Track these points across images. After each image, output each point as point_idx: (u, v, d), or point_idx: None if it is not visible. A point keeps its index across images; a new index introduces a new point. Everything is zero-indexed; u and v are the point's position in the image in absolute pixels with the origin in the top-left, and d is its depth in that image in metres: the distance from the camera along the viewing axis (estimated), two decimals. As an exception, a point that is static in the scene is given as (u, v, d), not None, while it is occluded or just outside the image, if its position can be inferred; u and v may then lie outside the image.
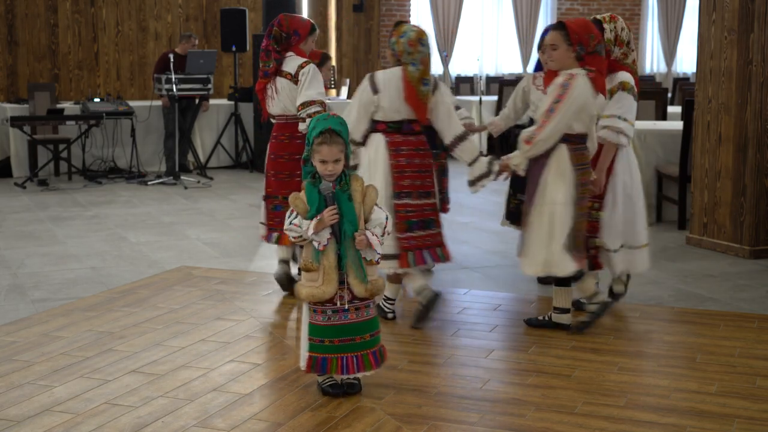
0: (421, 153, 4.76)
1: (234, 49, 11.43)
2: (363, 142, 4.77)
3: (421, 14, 14.06)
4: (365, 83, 4.73)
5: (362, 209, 3.67)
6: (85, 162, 10.60)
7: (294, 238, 3.66)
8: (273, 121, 5.46)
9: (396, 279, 4.86)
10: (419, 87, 4.67)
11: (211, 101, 11.71)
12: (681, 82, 13.23)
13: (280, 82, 5.26)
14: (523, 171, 4.64)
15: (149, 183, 10.22)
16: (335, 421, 3.51)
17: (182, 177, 10.34)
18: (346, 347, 3.69)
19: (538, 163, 4.55)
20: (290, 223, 3.64)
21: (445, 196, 5.63)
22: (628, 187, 4.92)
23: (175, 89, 10.23)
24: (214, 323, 4.83)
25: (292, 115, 5.27)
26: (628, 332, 4.75)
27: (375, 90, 4.69)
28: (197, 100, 11.04)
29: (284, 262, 5.43)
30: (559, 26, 4.56)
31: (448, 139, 4.77)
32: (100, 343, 4.48)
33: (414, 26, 4.81)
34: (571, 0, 14.75)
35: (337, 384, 3.77)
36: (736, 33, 6.52)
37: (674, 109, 10.59)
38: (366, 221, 3.68)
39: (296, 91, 5.22)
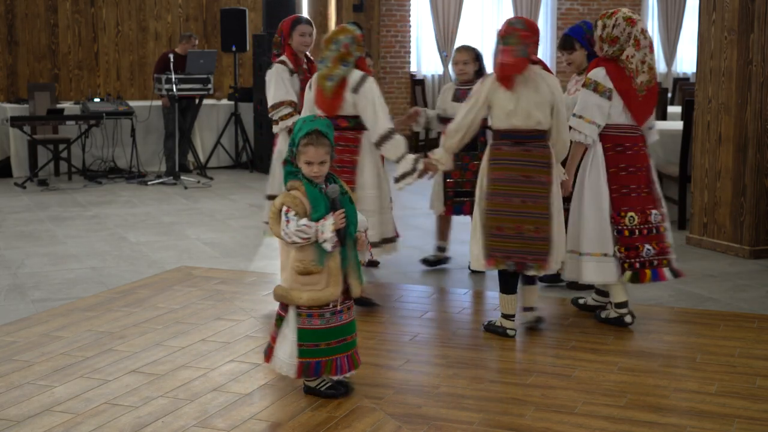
0: (350, 149, 4.94)
1: (234, 49, 11.42)
2: None
3: (421, 14, 14.05)
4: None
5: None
6: (85, 162, 10.59)
7: (302, 239, 3.56)
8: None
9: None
10: (323, 83, 4.90)
11: (211, 101, 11.71)
12: (681, 82, 13.22)
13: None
14: (444, 166, 4.74)
15: (149, 183, 10.22)
16: (335, 421, 3.51)
17: (182, 177, 10.34)
18: (339, 348, 3.69)
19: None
20: (299, 225, 3.52)
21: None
22: (594, 189, 4.70)
23: (175, 89, 10.23)
24: (214, 323, 4.83)
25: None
26: (628, 332, 4.75)
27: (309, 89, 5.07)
28: (197, 100, 11.04)
29: None
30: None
31: (373, 137, 4.89)
32: (100, 343, 4.48)
33: (341, 26, 5.07)
34: (571, 0, 14.74)
35: (334, 384, 3.77)
36: (736, 33, 6.52)
37: (674, 109, 10.59)
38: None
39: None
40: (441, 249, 6.18)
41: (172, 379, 3.98)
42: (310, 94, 5.07)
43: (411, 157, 4.84)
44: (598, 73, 4.68)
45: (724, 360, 4.27)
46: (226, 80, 13.03)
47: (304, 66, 5.52)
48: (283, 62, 5.42)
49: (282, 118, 5.29)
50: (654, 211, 4.75)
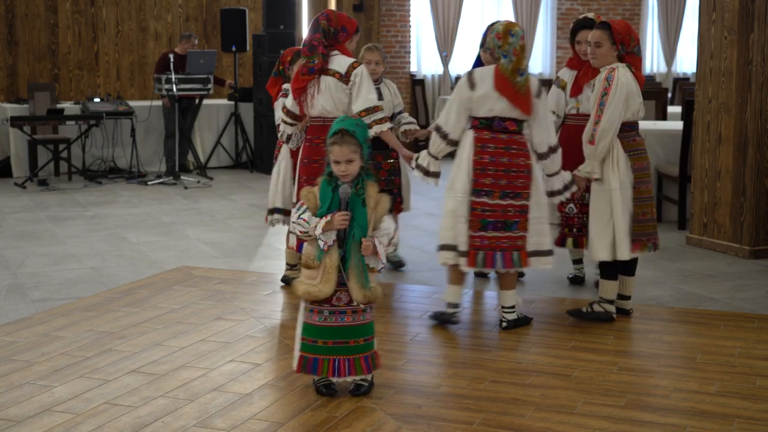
0: (512, 152, 4.60)
1: (234, 49, 11.42)
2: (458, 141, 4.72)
3: (421, 14, 14.05)
4: (462, 80, 4.69)
5: (373, 216, 3.66)
6: (85, 162, 10.59)
7: (300, 232, 3.65)
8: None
9: (458, 280, 4.77)
10: (514, 78, 4.56)
11: (211, 101, 11.71)
12: (681, 82, 13.21)
13: (325, 80, 4.93)
14: (598, 175, 4.75)
15: (149, 183, 10.21)
16: (335, 421, 3.51)
17: (182, 177, 10.34)
18: (339, 350, 3.69)
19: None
20: (299, 217, 3.63)
21: (398, 194, 5.72)
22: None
23: (175, 89, 10.23)
24: (214, 323, 4.83)
25: (330, 117, 4.87)
26: (628, 332, 4.75)
27: (472, 86, 4.62)
28: (197, 100, 11.04)
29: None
30: (604, 26, 4.76)
31: (541, 147, 4.69)
32: (100, 343, 4.48)
33: (509, 21, 4.78)
34: (571, 0, 14.73)
35: (330, 385, 3.77)
36: (736, 33, 6.52)
37: (674, 109, 10.58)
38: (374, 229, 3.66)
39: (342, 91, 4.91)
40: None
41: (172, 379, 3.98)
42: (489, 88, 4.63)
43: (566, 174, 4.80)
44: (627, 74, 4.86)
45: (724, 360, 4.27)
46: (226, 80, 13.02)
47: None
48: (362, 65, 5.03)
49: (377, 122, 4.96)
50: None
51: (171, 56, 10.30)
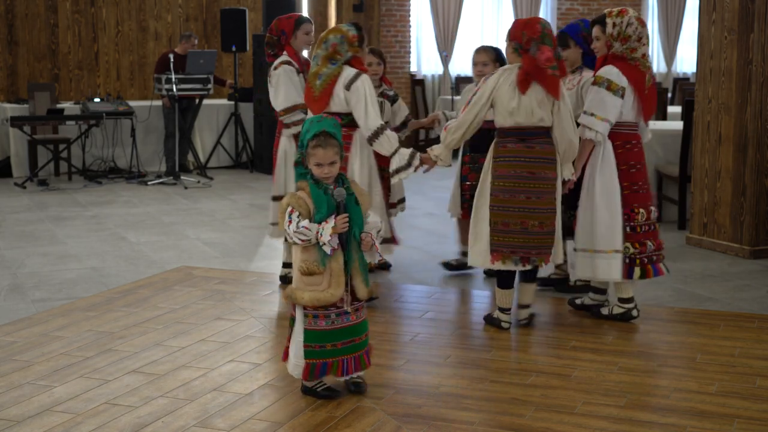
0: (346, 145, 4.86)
1: (234, 49, 11.42)
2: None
3: (421, 14, 14.05)
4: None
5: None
6: (85, 162, 10.59)
7: (301, 241, 3.57)
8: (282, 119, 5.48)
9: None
10: (313, 82, 4.95)
11: (211, 101, 11.71)
12: (681, 82, 13.22)
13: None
14: (443, 162, 4.76)
15: (149, 183, 10.21)
16: (335, 421, 3.51)
17: (182, 177, 10.34)
18: (346, 349, 3.69)
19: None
20: (299, 226, 3.54)
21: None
22: (606, 186, 4.75)
23: (175, 89, 10.23)
24: (214, 323, 4.83)
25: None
26: (628, 332, 4.75)
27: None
28: (197, 100, 11.03)
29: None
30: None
31: (365, 132, 4.90)
32: (100, 343, 4.48)
33: (334, 26, 5.09)
34: (571, 0, 14.73)
35: (331, 386, 3.77)
36: (736, 33, 6.52)
37: (674, 109, 10.59)
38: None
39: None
40: (464, 254, 6.09)
41: (172, 379, 3.98)
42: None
43: (406, 151, 4.87)
44: (611, 71, 4.70)
45: (724, 360, 4.27)
46: (227, 80, 13.02)
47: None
48: (289, 62, 5.40)
49: (295, 124, 5.29)
50: (652, 208, 4.86)
51: (171, 56, 10.30)
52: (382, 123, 4.90)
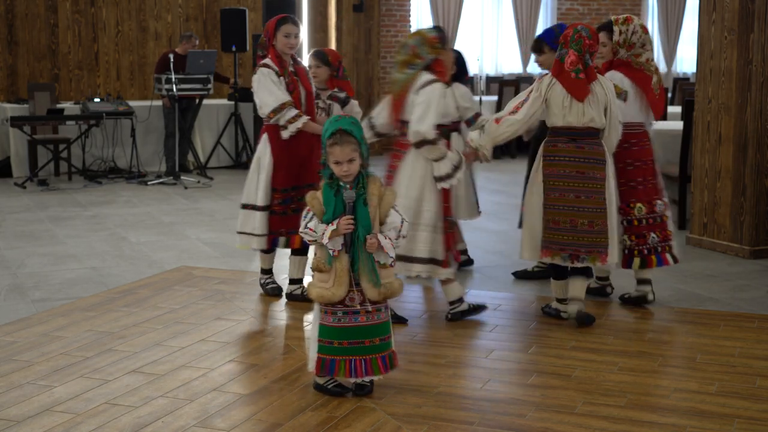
0: (398, 154, 4.83)
1: (234, 49, 11.42)
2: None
3: (421, 14, 14.04)
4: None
5: (377, 212, 3.65)
6: (85, 162, 10.59)
7: (309, 240, 3.68)
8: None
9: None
10: (393, 88, 4.83)
11: (211, 101, 11.71)
12: (681, 82, 13.22)
13: None
14: (485, 156, 4.84)
15: (149, 183, 10.22)
16: (335, 421, 3.51)
17: (182, 177, 10.34)
18: (355, 350, 3.68)
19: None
20: (305, 227, 3.64)
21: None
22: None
23: (175, 89, 10.23)
24: (214, 323, 4.83)
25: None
26: (628, 332, 4.75)
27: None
28: (197, 100, 11.04)
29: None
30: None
31: (412, 137, 4.72)
32: (100, 343, 4.48)
33: (416, 31, 4.99)
34: (571, 0, 14.74)
35: (342, 383, 3.77)
36: (736, 33, 6.52)
37: (674, 109, 10.59)
38: (382, 224, 3.66)
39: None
40: (464, 251, 6.09)
41: (172, 379, 3.98)
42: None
43: (453, 156, 4.69)
44: (614, 76, 4.96)
45: (724, 360, 4.27)
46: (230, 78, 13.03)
47: (290, 69, 5.22)
48: (266, 65, 5.16)
49: (290, 121, 5.10)
50: (658, 201, 5.11)
51: (171, 56, 10.30)
52: (436, 134, 4.58)
